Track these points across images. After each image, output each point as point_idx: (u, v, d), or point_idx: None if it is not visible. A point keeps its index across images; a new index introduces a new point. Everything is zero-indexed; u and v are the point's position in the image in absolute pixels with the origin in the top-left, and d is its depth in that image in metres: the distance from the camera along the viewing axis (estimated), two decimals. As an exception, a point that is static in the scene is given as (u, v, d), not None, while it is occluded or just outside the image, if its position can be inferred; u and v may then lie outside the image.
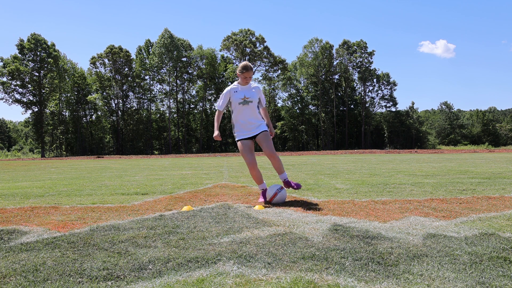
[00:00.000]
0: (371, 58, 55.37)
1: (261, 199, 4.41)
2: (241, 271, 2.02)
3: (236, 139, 4.48)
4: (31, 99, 45.57)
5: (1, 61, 43.94)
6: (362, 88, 57.25)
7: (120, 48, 49.93)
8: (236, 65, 54.36)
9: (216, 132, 4.39)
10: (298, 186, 4.45)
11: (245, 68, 4.32)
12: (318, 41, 53.00)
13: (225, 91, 4.44)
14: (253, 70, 4.48)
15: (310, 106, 57.23)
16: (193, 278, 1.93)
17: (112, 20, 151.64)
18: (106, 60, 50.41)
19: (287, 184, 4.43)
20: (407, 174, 8.01)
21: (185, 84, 53.36)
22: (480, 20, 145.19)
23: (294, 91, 56.46)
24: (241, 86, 4.40)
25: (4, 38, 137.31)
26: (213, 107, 55.32)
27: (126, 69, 50.68)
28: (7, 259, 2.29)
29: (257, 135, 4.42)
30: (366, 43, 55.16)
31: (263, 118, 4.53)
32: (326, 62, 52.84)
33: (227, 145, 56.74)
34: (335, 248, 2.41)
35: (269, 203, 4.28)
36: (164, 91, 53.39)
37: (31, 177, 8.92)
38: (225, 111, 4.54)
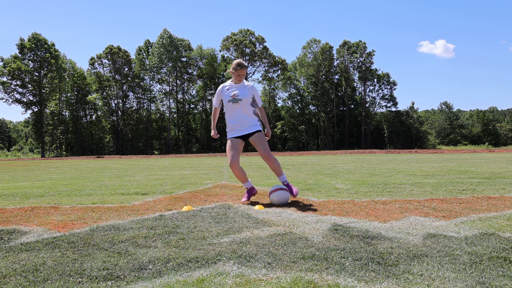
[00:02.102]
0: (371, 58, 55.39)
1: (245, 199, 4.34)
2: (241, 271, 2.02)
3: (227, 137, 4.41)
4: (31, 99, 45.56)
5: (1, 61, 43.96)
6: (362, 88, 57.26)
7: (119, 48, 49.94)
8: (236, 65, 54.34)
9: (212, 131, 4.36)
10: (296, 193, 4.39)
11: (239, 65, 4.24)
12: (317, 42, 53.02)
13: (218, 89, 4.39)
14: (247, 67, 4.39)
15: (310, 106, 57.24)
16: (193, 278, 1.93)
17: (112, 20, 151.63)
18: (105, 61, 50.44)
19: (287, 187, 4.38)
20: (407, 174, 8.01)
21: (185, 84, 53.37)
22: (479, 20, 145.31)
23: (294, 91, 56.47)
24: (234, 84, 4.33)
25: (4, 38, 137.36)
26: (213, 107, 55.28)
27: (126, 69, 50.69)
28: (7, 259, 2.29)
29: (250, 134, 4.33)
30: (365, 43, 55.23)
31: (259, 118, 4.44)
32: (326, 63, 52.85)
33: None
34: (335, 248, 2.41)
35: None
36: (164, 91, 53.42)
37: (31, 177, 8.92)
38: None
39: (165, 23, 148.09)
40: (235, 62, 4.28)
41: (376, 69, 56.34)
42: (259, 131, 4.34)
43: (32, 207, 4.19)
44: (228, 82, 4.39)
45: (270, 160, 4.32)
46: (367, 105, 57.15)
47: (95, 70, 50.98)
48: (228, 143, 4.36)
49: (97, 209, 3.97)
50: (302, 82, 56.15)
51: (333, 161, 15.51)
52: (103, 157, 33.99)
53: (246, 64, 4.34)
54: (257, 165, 12.98)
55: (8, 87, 43.74)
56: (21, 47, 44.01)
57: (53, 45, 46.03)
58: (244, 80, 4.41)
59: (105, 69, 51.18)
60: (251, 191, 4.43)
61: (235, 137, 4.34)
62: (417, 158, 18.17)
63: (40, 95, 45.12)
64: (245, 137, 4.37)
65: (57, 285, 1.87)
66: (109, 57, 49.76)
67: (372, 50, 55.36)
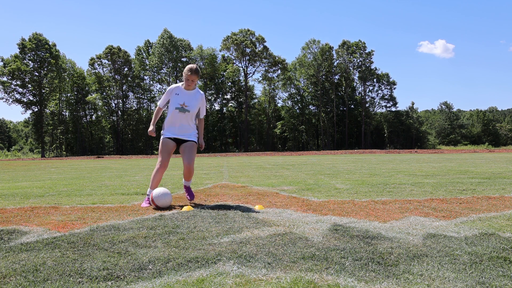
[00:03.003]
0: (371, 58, 55.38)
1: (145, 204, 4.15)
2: (241, 271, 2.02)
3: (162, 136, 4.33)
4: (31, 99, 45.57)
5: (1, 60, 43.96)
6: (362, 88, 57.27)
7: (119, 49, 49.95)
8: (236, 65, 54.38)
9: (151, 127, 4.26)
10: (191, 198, 4.44)
11: (190, 70, 4.09)
12: (316, 42, 53.03)
13: (168, 89, 4.27)
14: (199, 74, 4.19)
15: (310, 106, 57.24)
16: (193, 278, 1.93)
17: (112, 21, 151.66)
18: (105, 61, 50.44)
19: (187, 189, 4.48)
20: (407, 174, 8.01)
21: (185, 84, 53.33)
22: (478, 20, 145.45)
23: (294, 91, 56.47)
24: (184, 90, 4.21)
25: (4, 38, 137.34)
26: (213, 107, 55.32)
27: (126, 69, 50.70)
28: (7, 259, 2.29)
29: (184, 141, 4.29)
30: (365, 43, 55.22)
31: (197, 128, 4.41)
32: (326, 63, 52.86)
33: (227, 145, 56.75)
34: (335, 248, 2.41)
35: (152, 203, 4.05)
36: (164, 91, 53.40)
37: (31, 177, 8.92)
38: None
39: (165, 23, 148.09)
40: (188, 66, 4.14)
41: (376, 68, 56.36)
42: (194, 141, 4.32)
43: (32, 207, 4.19)
44: (179, 86, 4.25)
45: (190, 169, 4.32)
46: (367, 105, 57.15)
47: (95, 71, 51.00)
48: (163, 143, 4.27)
49: (97, 209, 3.97)
50: (302, 82, 56.15)
51: (333, 161, 15.50)
52: (103, 157, 34.00)
53: (199, 70, 4.20)
54: (257, 165, 12.99)
55: (8, 87, 43.74)
56: (22, 47, 44.00)
57: (54, 45, 46.04)
58: (197, 87, 4.32)
59: (105, 69, 51.22)
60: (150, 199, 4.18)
61: (170, 138, 4.28)
62: (417, 158, 18.17)
63: (40, 95, 45.12)
64: (178, 142, 4.32)
65: (57, 285, 1.87)
66: (109, 57, 49.76)
67: (372, 50, 55.40)
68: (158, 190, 4.04)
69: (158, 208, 3.99)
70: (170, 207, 4.05)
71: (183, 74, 4.17)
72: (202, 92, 4.36)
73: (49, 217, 3.56)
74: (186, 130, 4.28)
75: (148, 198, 4.20)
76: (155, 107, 55.10)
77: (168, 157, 4.26)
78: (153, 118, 4.32)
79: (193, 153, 4.28)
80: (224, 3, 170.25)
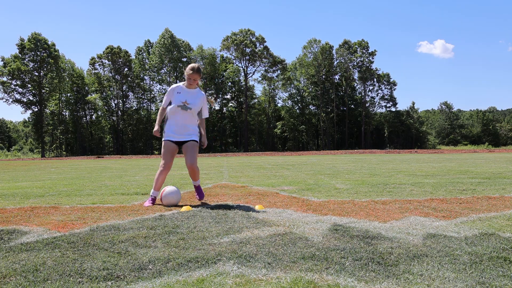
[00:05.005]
0: (372, 58, 55.32)
1: (148, 203, 4.20)
2: (241, 271, 2.02)
3: (163, 139, 4.33)
4: (31, 99, 45.56)
5: (2, 60, 43.96)
6: (363, 88, 57.24)
7: (120, 48, 49.95)
8: (236, 65, 54.39)
9: (156, 126, 4.27)
10: (201, 197, 4.46)
11: (192, 69, 4.14)
12: (317, 42, 53.00)
13: (170, 88, 4.29)
14: (201, 74, 4.25)
15: (310, 106, 57.23)
16: (193, 278, 1.93)
17: (112, 20, 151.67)
18: (105, 61, 50.43)
19: (197, 189, 4.47)
20: (407, 174, 8.01)
21: (185, 84, 53.35)
22: (477, 20, 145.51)
23: (294, 91, 56.45)
24: (186, 89, 4.24)
25: (4, 38, 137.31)
26: (213, 107, 55.31)
27: (126, 69, 50.70)
28: (7, 259, 2.29)
29: (184, 142, 4.31)
30: (367, 43, 55.08)
31: (199, 126, 4.42)
32: (326, 63, 52.84)
33: (227, 145, 56.75)
34: (335, 248, 2.41)
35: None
36: (164, 91, 53.40)
37: (31, 177, 8.92)
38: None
39: (165, 23, 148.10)
40: (190, 65, 4.19)
41: (376, 68, 56.33)
42: (195, 141, 4.33)
43: (32, 207, 4.19)
44: (181, 85, 4.28)
45: (194, 169, 4.30)
46: (367, 105, 57.14)
47: (95, 71, 51.00)
48: (165, 146, 4.30)
49: (97, 209, 3.97)
50: (302, 82, 56.13)
51: (333, 161, 15.50)
52: (103, 157, 34.00)
53: (201, 69, 4.24)
54: (257, 165, 12.99)
55: (8, 87, 43.73)
56: (21, 47, 43.99)
57: (53, 45, 46.01)
58: (198, 87, 4.35)
59: (105, 69, 51.22)
60: (154, 200, 4.29)
61: (172, 141, 4.30)
62: (417, 158, 18.17)
63: (40, 95, 45.11)
64: (180, 144, 4.35)
65: (57, 285, 1.87)
66: (109, 57, 49.76)
67: (374, 50, 55.30)
68: (169, 189, 4.25)
69: (169, 205, 4.15)
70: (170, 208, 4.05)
71: (185, 73, 4.19)
72: (203, 92, 4.37)
73: (49, 217, 3.56)
74: (187, 129, 4.29)
75: (152, 198, 4.26)
76: (155, 107, 55.16)
77: (171, 159, 4.28)
78: (157, 118, 4.34)
79: (195, 152, 4.29)
80: (224, 3, 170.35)
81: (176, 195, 4.21)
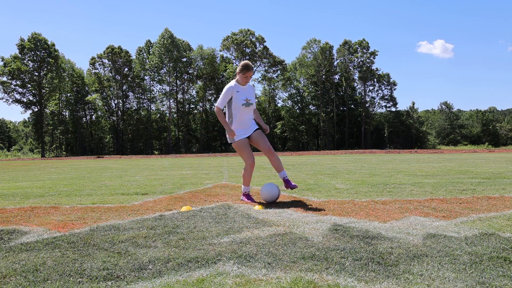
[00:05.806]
0: (373, 58, 55.25)
1: (248, 200, 4.46)
2: (241, 271, 2.02)
3: (236, 139, 4.40)
4: (31, 99, 45.55)
5: (2, 60, 43.96)
6: (363, 88, 57.23)
7: (120, 48, 49.96)
8: (236, 65, 54.33)
9: (229, 129, 4.34)
10: (294, 186, 4.47)
11: (247, 68, 4.31)
12: (317, 42, 52.98)
13: (226, 88, 4.33)
14: (253, 69, 4.50)
15: (310, 106, 57.22)
16: (193, 278, 1.93)
17: (112, 20, 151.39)
18: (106, 61, 50.44)
19: (287, 182, 4.43)
20: (407, 174, 8.01)
21: (185, 84, 53.38)
22: (477, 20, 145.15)
23: (294, 91, 56.45)
24: (241, 87, 4.39)
25: (4, 38, 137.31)
26: (213, 107, 55.31)
27: (126, 69, 50.70)
28: (7, 259, 2.29)
29: (250, 134, 4.47)
30: (368, 43, 54.98)
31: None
32: (326, 63, 52.83)
33: (227, 145, 56.74)
34: (335, 248, 2.41)
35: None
36: (164, 91, 53.42)
37: (31, 177, 8.91)
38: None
39: (166, 23, 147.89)
40: (243, 64, 4.33)
41: (376, 68, 56.31)
42: (258, 128, 4.53)
43: (32, 207, 4.19)
44: (234, 83, 4.37)
45: (273, 154, 4.46)
46: (367, 105, 57.13)
47: (95, 71, 51.01)
48: (242, 144, 4.43)
49: (97, 209, 3.97)
50: (302, 82, 56.13)
51: (333, 161, 15.50)
52: (103, 157, 34.00)
53: (252, 66, 4.44)
54: (257, 165, 12.99)
55: (8, 87, 43.72)
56: (21, 47, 43.98)
57: (53, 45, 46.00)
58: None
59: (105, 69, 51.22)
60: (249, 195, 4.54)
61: (243, 138, 4.46)
62: (417, 158, 18.17)
63: (40, 95, 45.10)
64: (248, 137, 4.52)
65: (57, 285, 1.87)
66: (109, 57, 49.76)
67: (375, 50, 55.22)
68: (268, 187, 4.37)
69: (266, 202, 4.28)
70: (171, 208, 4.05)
71: (239, 71, 4.33)
72: (251, 83, 4.58)
73: (49, 217, 3.56)
74: (251, 123, 4.52)
75: (246, 194, 4.53)
76: (155, 107, 55.06)
77: (252, 153, 4.47)
78: (223, 120, 4.37)
79: (265, 137, 4.52)
80: (224, 3, 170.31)
81: (274, 191, 4.32)
